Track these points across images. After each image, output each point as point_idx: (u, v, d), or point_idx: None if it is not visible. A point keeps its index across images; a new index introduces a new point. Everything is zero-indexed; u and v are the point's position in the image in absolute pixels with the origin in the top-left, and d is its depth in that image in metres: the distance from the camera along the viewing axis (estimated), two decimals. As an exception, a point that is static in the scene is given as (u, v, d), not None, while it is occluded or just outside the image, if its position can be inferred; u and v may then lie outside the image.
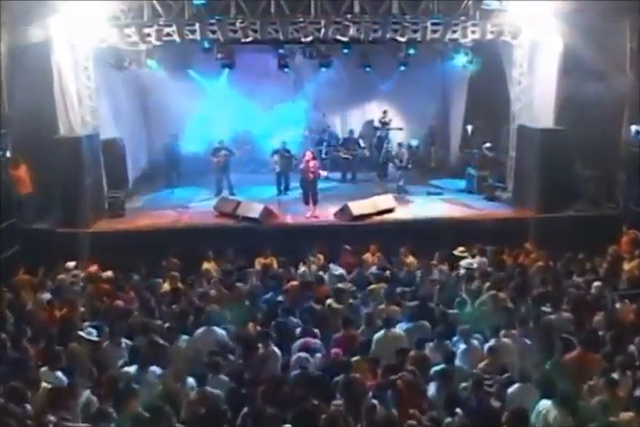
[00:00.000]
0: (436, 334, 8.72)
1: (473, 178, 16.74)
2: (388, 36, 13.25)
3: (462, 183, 17.43)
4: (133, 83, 17.96)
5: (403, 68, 17.86)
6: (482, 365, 7.92)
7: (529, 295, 10.24)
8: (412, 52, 16.73)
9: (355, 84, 19.58)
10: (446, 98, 20.76)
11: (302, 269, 11.86)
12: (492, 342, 8.34)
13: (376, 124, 19.88)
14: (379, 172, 18.27)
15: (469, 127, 19.47)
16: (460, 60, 17.29)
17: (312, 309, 9.81)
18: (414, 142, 19.91)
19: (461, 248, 12.50)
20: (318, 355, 8.38)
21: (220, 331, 8.95)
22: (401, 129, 19.74)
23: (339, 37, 13.39)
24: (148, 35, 13.00)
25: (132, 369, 7.75)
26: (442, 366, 7.68)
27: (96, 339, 8.68)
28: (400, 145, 17.73)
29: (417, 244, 12.76)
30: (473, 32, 13.43)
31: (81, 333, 8.85)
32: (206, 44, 14.68)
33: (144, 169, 18.73)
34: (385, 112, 19.67)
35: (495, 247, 12.69)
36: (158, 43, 13.09)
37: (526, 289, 10.61)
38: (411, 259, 12.45)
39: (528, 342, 8.47)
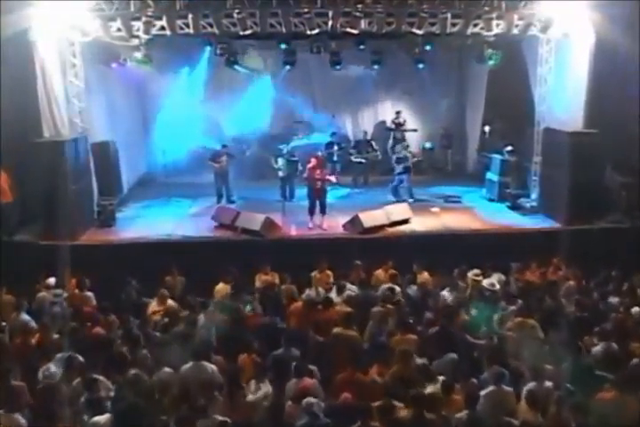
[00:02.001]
0: (461, 372, 7.56)
1: (494, 184, 15.50)
2: (403, 29, 11.98)
3: (481, 189, 16.24)
4: (131, 81, 16.81)
5: (419, 65, 16.58)
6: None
7: (562, 322, 9.01)
8: (427, 47, 15.50)
9: (366, 82, 18.50)
10: (463, 97, 19.57)
11: (308, 291, 10.58)
12: (531, 385, 7.08)
13: (389, 125, 18.76)
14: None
15: (487, 128, 18.28)
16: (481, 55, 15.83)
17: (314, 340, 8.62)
18: (428, 144, 19.01)
19: (477, 270, 10.99)
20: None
21: (210, 366, 7.75)
22: (415, 130, 18.73)
23: (349, 30, 12.13)
24: (136, 28, 11.84)
25: (102, 419, 6.54)
26: (465, 412, 6.52)
27: (54, 380, 7.46)
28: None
29: (434, 259, 11.54)
30: (498, 25, 12.15)
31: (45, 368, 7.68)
32: (205, 39, 13.47)
33: (141, 174, 17.58)
34: (398, 113, 18.65)
35: (521, 264, 11.58)
36: (146, 36, 11.93)
37: (559, 314, 9.40)
38: (425, 276, 11.25)
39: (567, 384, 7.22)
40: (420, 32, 12.24)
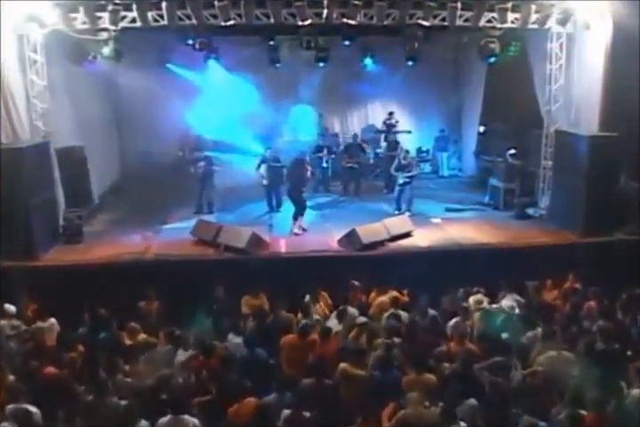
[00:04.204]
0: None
1: (498, 191, 14.33)
2: (407, 20, 10.67)
3: (482, 196, 15.06)
4: (102, 80, 15.46)
5: (411, 62, 15.21)
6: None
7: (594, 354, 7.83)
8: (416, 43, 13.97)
9: (356, 81, 17.39)
10: (459, 97, 18.47)
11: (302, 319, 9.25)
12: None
13: (380, 126, 17.55)
14: (387, 183, 15.80)
15: (481, 129, 17.19)
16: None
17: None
18: (424, 147, 17.89)
19: (479, 297, 9.70)
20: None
21: (192, 421, 6.46)
22: (409, 132, 17.54)
23: (346, 21, 10.78)
24: (103, 20, 10.51)
25: None
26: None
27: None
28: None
29: (441, 277, 10.30)
30: (514, 18, 10.85)
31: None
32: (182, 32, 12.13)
33: (113, 182, 16.24)
34: (391, 113, 17.49)
35: (537, 282, 10.34)
36: (114, 27, 10.51)
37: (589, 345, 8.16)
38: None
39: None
40: (426, 24, 10.91)
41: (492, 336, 8.85)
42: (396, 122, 17.61)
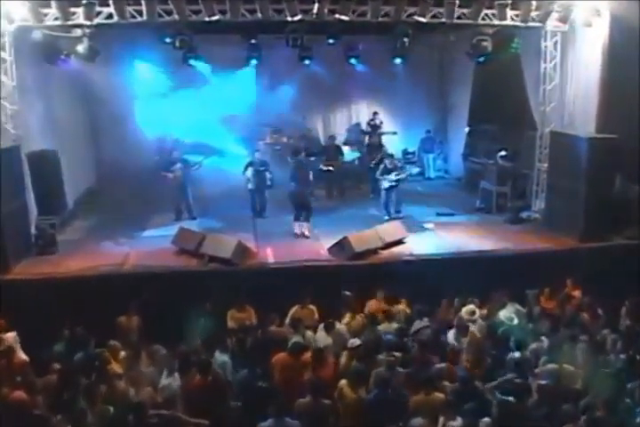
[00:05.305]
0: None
1: (489, 194, 13.85)
2: (402, 16, 10.11)
3: (472, 199, 14.58)
4: (77, 81, 14.68)
5: (398, 60, 14.60)
6: None
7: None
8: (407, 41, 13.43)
9: (340, 80, 16.77)
10: (446, 97, 17.98)
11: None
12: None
13: (364, 127, 16.99)
14: (373, 187, 15.24)
15: (466, 129, 16.82)
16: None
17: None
18: (410, 149, 17.46)
19: (471, 307, 9.10)
20: None
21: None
22: (395, 133, 17.01)
23: (339, 17, 10.18)
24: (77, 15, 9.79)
25: None
26: None
27: None
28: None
29: (438, 286, 9.82)
30: (515, 16, 10.36)
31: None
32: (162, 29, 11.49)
33: (88, 187, 15.55)
34: (375, 114, 16.94)
35: (537, 291, 10.01)
36: (89, 23, 9.80)
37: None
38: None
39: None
40: (423, 20, 10.34)
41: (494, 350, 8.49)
42: (381, 123, 17.11)
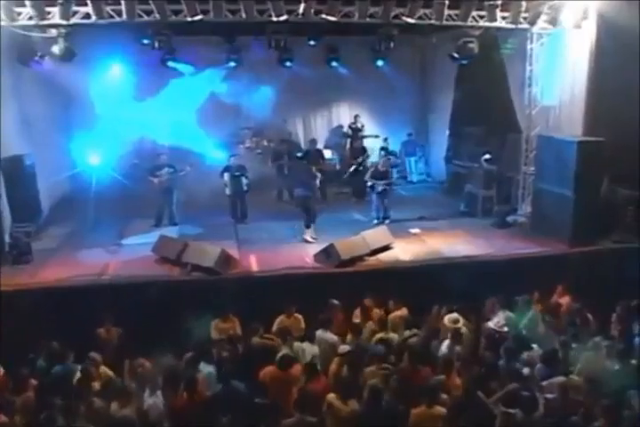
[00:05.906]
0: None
1: (474, 198, 13.67)
2: (390, 16, 9.84)
3: (456, 203, 14.44)
4: (52, 83, 14.12)
5: (380, 62, 14.35)
6: None
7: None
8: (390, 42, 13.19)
9: (321, 83, 16.41)
10: (428, 100, 17.77)
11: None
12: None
13: (346, 130, 16.76)
14: (355, 190, 14.99)
15: (447, 132, 16.62)
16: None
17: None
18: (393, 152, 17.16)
19: (454, 316, 8.80)
20: None
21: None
22: (377, 137, 16.82)
23: (326, 17, 9.87)
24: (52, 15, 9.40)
25: None
26: None
27: None
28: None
29: (424, 294, 9.61)
30: (503, 17, 10.17)
31: None
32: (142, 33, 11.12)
33: (65, 192, 15.08)
34: (356, 117, 16.79)
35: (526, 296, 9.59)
36: (66, 22, 9.40)
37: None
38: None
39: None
40: (411, 21, 10.09)
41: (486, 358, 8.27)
42: (362, 126, 16.99)
